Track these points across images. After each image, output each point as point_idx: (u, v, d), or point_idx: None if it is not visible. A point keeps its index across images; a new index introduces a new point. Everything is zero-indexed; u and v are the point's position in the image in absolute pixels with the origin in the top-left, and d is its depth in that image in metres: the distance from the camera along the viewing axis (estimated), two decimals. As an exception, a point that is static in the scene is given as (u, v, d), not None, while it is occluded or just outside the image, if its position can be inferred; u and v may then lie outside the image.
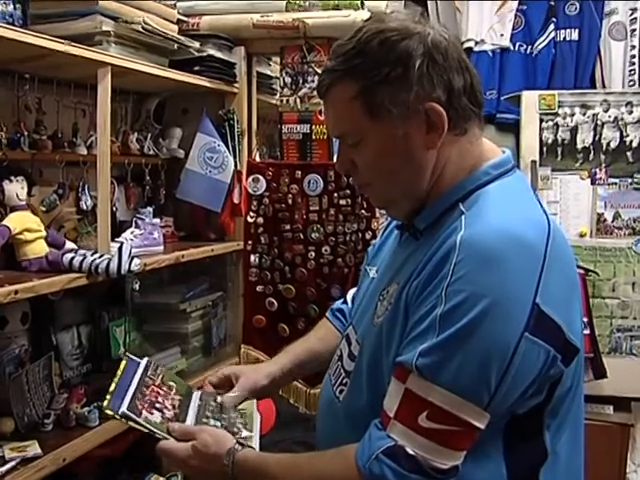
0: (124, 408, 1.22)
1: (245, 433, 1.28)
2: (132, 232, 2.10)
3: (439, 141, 1.10)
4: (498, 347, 0.98)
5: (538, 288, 1.00)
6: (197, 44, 2.30)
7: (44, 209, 1.92)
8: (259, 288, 2.43)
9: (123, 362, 1.36)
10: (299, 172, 2.36)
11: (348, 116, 1.12)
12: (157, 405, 1.28)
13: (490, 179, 1.13)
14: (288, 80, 2.41)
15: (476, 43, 3.33)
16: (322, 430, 1.30)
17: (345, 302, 1.58)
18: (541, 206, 1.14)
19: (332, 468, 1.10)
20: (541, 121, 3.00)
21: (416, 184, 1.13)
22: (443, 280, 1.01)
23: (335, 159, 1.25)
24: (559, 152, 2.99)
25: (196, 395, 1.39)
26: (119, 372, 1.32)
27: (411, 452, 1.00)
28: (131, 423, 1.22)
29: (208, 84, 2.33)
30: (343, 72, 1.11)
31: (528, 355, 0.99)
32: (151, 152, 2.37)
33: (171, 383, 1.38)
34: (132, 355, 1.41)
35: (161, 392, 1.33)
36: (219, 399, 1.37)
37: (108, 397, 1.23)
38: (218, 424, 1.29)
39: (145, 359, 1.40)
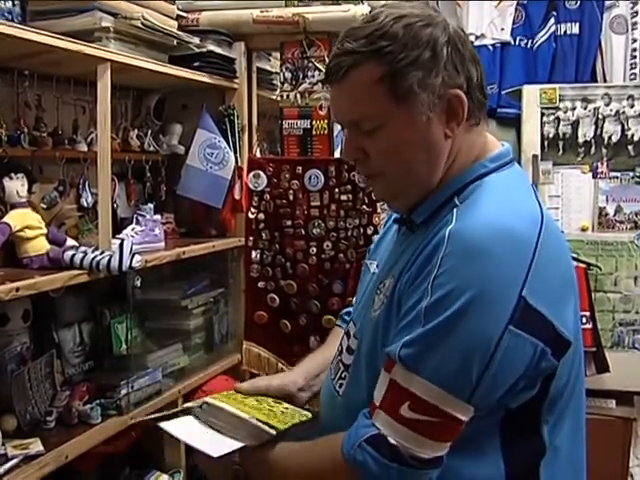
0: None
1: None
2: (133, 229, 2.10)
3: (457, 130, 1.10)
4: (480, 340, 0.98)
5: (526, 281, 0.99)
6: (197, 40, 2.29)
7: (45, 206, 1.91)
8: (260, 284, 2.43)
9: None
10: (300, 167, 2.36)
11: (369, 100, 1.09)
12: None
13: (486, 172, 1.13)
14: (288, 75, 2.41)
15: (476, 37, 3.31)
16: (325, 424, 1.30)
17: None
18: (537, 199, 1.13)
19: (320, 455, 1.12)
20: (542, 115, 2.99)
21: (429, 175, 1.12)
22: (430, 273, 1.02)
23: (343, 147, 1.21)
24: (560, 146, 2.98)
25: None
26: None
27: (392, 441, 1.00)
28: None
29: (208, 80, 2.33)
30: (367, 54, 1.07)
31: (512, 348, 0.98)
32: (151, 148, 2.37)
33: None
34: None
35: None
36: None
37: None
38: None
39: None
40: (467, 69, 1.09)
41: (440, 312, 0.99)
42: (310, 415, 1.33)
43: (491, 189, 1.10)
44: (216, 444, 1.20)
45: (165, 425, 1.28)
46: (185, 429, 1.26)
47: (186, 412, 1.31)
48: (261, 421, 1.21)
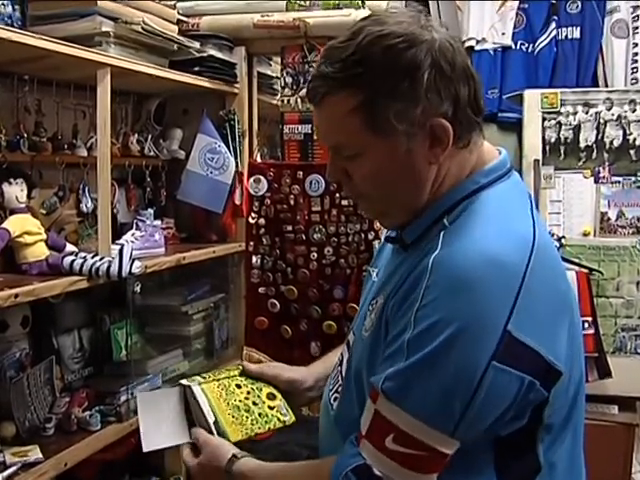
0: None
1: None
2: (133, 234, 2.09)
3: (442, 156, 1.05)
4: (463, 375, 0.95)
5: (512, 313, 0.95)
6: (197, 44, 2.28)
7: (44, 211, 1.91)
8: (261, 290, 2.41)
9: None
10: (301, 172, 2.35)
11: (345, 129, 1.05)
12: None
13: (478, 188, 1.08)
14: (289, 80, 2.40)
15: (477, 42, 3.32)
16: (321, 433, 1.30)
17: None
18: (532, 215, 1.08)
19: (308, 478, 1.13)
20: (543, 120, 2.98)
21: (416, 199, 1.09)
22: (414, 303, 0.99)
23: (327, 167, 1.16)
24: (562, 151, 2.97)
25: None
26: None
27: (377, 473, 0.99)
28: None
29: (208, 85, 2.32)
30: (342, 81, 1.03)
31: (497, 384, 0.95)
32: (152, 153, 2.36)
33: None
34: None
35: None
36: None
37: None
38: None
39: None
40: (454, 91, 1.03)
41: (423, 346, 0.96)
42: (290, 421, 1.37)
43: (480, 209, 1.06)
44: (158, 435, 1.30)
45: (142, 396, 1.42)
46: (155, 405, 1.34)
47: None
48: (219, 428, 1.28)
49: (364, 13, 2.23)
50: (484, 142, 1.14)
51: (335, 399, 1.23)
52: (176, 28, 2.21)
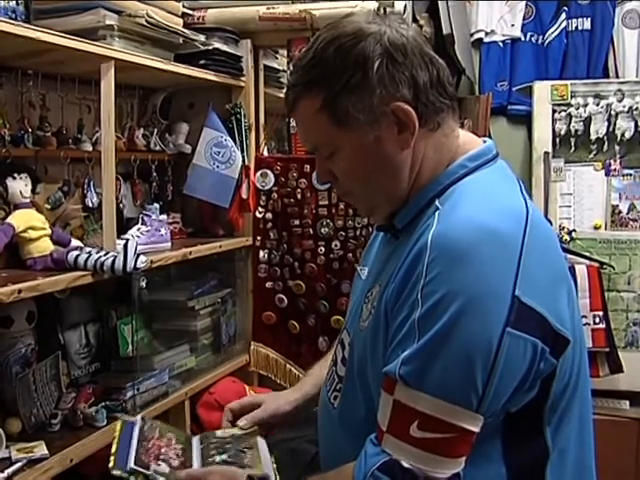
0: (131, 464, 1.21)
1: (249, 459, 1.29)
2: (139, 229, 2.08)
3: (412, 140, 1.09)
4: (480, 345, 0.95)
5: (517, 280, 0.96)
6: (202, 37, 2.27)
7: (49, 206, 1.90)
8: (268, 284, 2.41)
9: (118, 424, 1.36)
10: (308, 166, 2.34)
11: (317, 129, 1.12)
12: (162, 457, 1.28)
13: (467, 172, 1.11)
14: (295, 73, 2.38)
15: (486, 34, 3.30)
16: (321, 433, 1.30)
17: None
18: (522, 194, 1.11)
19: None
20: (554, 112, 2.96)
21: (396, 187, 1.12)
22: (418, 282, 0.99)
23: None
24: (572, 143, 2.94)
25: (196, 440, 1.39)
26: (116, 434, 1.32)
27: (407, 465, 0.97)
28: (141, 479, 1.21)
29: (214, 78, 2.30)
30: (304, 85, 1.11)
31: (513, 350, 0.96)
32: (157, 148, 2.34)
33: (169, 434, 1.37)
34: (126, 416, 1.44)
35: (162, 444, 1.32)
36: (219, 433, 1.40)
37: (112, 458, 1.23)
38: (224, 456, 1.30)
39: (138, 417, 1.40)
40: (410, 76, 1.07)
41: (434, 322, 0.96)
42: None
43: (472, 189, 1.08)
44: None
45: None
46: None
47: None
48: None
49: (370, 4, 2.21)
50: (466, 132, 1.18)
51: (335, 397, 1.22)
52: (181, 21, 2.19)
